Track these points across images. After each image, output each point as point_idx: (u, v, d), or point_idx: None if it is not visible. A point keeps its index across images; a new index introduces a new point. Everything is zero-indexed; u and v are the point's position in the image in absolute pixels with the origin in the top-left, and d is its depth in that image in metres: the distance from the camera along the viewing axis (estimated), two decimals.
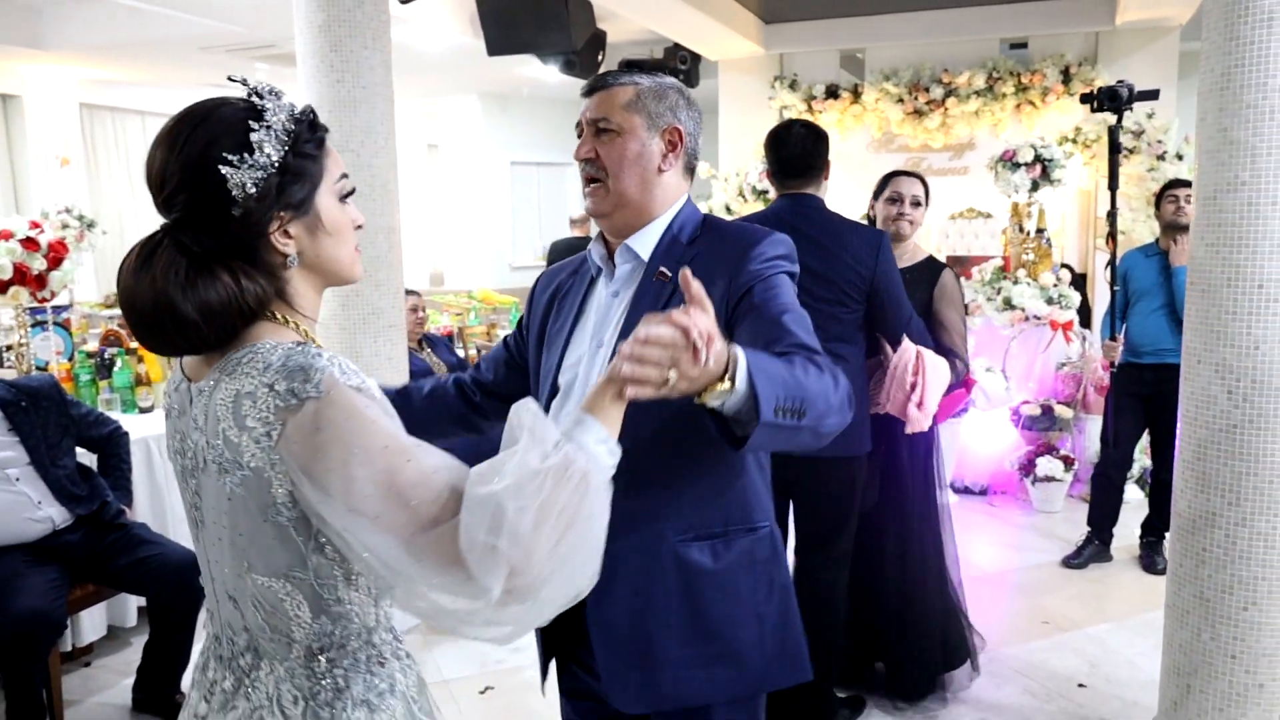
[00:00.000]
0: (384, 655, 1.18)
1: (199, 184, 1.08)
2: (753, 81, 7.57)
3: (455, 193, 10.90)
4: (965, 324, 2.99)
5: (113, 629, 3.62)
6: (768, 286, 1.44)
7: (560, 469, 0.99)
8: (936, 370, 2.58)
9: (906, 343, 2.59)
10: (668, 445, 1.44)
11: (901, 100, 6.94)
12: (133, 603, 3.65)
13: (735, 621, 1.51)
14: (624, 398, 1.07)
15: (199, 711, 1.20)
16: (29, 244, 4.15)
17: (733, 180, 7.38)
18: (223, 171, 1.06)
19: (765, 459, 1.59)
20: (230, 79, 1.21)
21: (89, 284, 8.40)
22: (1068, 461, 5.10)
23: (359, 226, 1.20)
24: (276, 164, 1.08)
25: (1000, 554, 4.56)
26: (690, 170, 1.59)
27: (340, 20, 3.44)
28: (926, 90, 6.91)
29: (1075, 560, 4.34)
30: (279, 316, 1.14)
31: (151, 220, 1.17)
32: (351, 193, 1.20)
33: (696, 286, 1.12)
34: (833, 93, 7.24)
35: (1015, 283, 5.49)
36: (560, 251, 9.04)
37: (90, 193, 8.94)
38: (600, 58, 6.85)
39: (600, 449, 1.04)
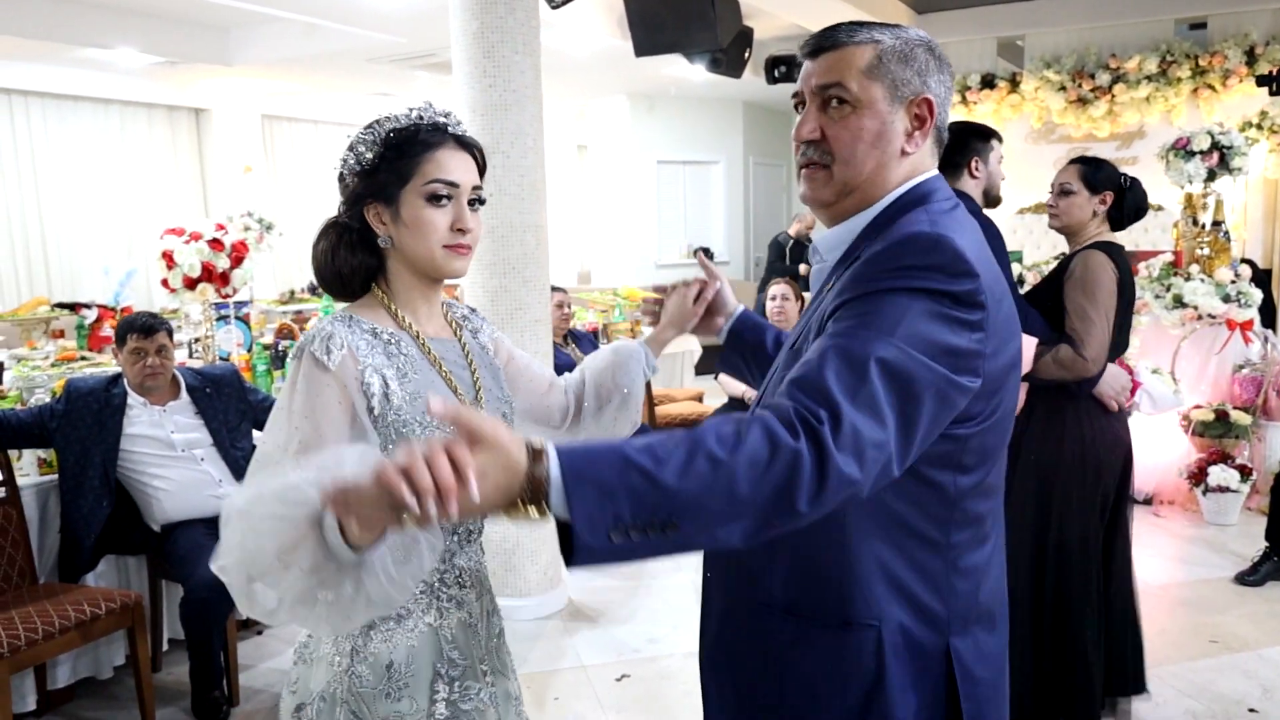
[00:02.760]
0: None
1: (340, 161, 1.40)
2: None
3: (603, 192, 11.11)
4: (1099, 310, 2.64)
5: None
6: (864, 308, 1.06)
7: (291, 545, 1.08)
8: None
9: None
10: None
11: (1064, 88, 6.63)
12: None
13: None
14: (367, 529, 1.01)
15: None
16: (215, 245, 4.52)
17: None
18: (341, 157, 1.38)
19: (928, 549, 1.15)
20: (426, 102, 1.43)
21: (267, 282, 9.04)
22: (1245, 471, 4.74)
23: (460, 229, 1.35)
24: (369, 161, 1.35)
25: (1165, 567, 4.29)
26: (940, 146, 1.25)
27: (493, 27, 3.58)
28: (1091, 77, 6.56)
29: (1251, 577, 4.04)
30: (378, 292, 1.41)
31: (321, 222, 1.43)
32: (447, 198, 1.35)
33: (448, 412, 0.94)
34: (989, 82, 6.98)
35: (1187, 279, 5.14)
36: (772, 249, 9.10)
37: (269, 197, 9.62)
38: (747, 55, 6.84)
39: (340, 551, 1.06)
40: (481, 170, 1.41)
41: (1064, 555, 2.72)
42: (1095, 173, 2.80)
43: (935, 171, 1.24)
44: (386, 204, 1.35)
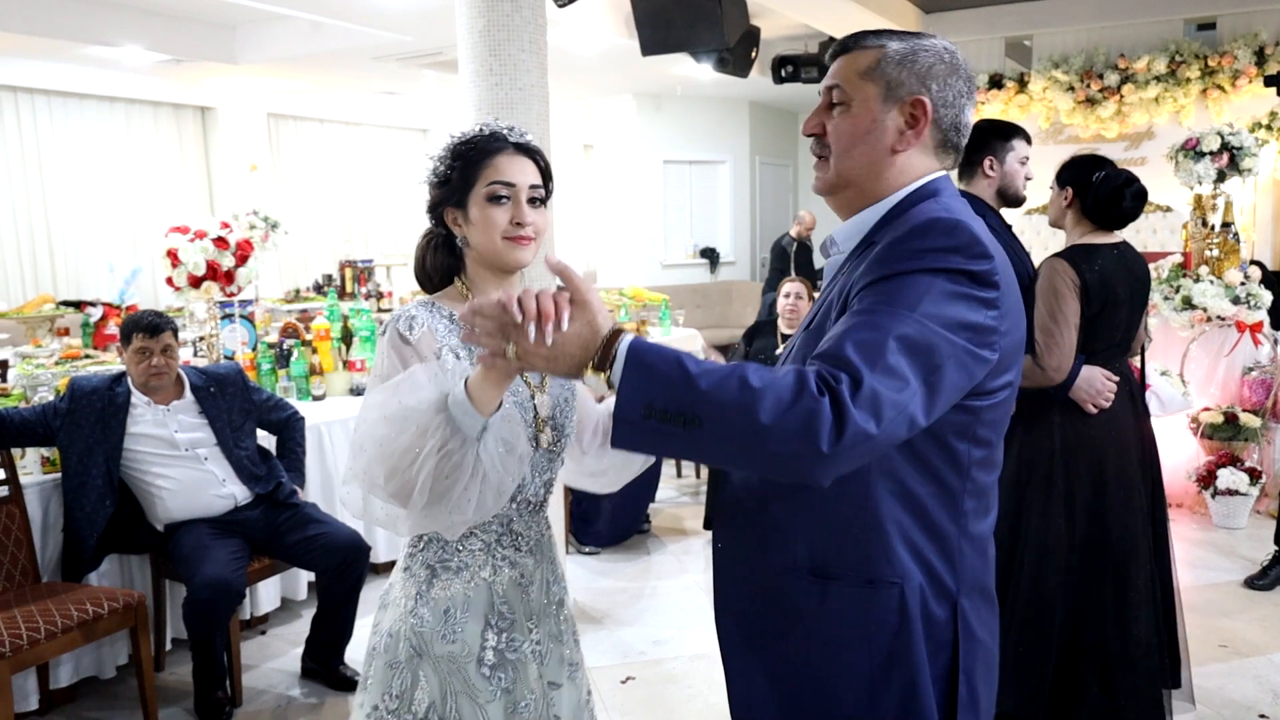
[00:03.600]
0: (463, 545, 1.57)
1: (425, 175, 1.61)
2: None
3: (609, 192, 11.10)
4: (1058, 320, 2.60)
5: (286, 601, 3.90)
6: (886, 289, 1.14)
7: (422, 430, 1.30)
8: None
9: None
10: None
11: (1072, 88, 6.60)
12: (304, 577, 3.92)
13: (835, 681, 1.26)
14: (486, 369, 1.26)
15: None
16: (220, 243, 4.51)
17: None
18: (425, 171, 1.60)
19: (943, 513, 1.24)
20: (493, 119, 1.69)
21: (272, 280, 9.03)
22: (1254, 474, 4.71)
23: (517, 224, 1.53)
24: (443, 173, 1.56)
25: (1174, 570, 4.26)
26: (950, 147, 1.31)
27: (499, 25, 3.56)
28: (1100, 77, 6.53)
29: (1260, 581, 4.01)
30: (459, 284, 1.61)
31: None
32: (505, 199, 1.53)
33: (555, 262, 1.17)
34: (996, 83, 6.95)
35: (1196, 280, 5.11)
36: (775, 252, 9.11)
37: (274, 196, 9.62)
38: (754, 54, 6.81)
39: (465, 419, 1.30)
40: (543, 172, 1.59)
41: (1028, 554, 2.67)
42: (1063, 169, 2.81)
43: (943, 172, 1.31)
44: (459, 207, 1.56)
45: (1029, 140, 2.87)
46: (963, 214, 1.22)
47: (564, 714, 1.64)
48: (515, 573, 1.60)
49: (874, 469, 1.20)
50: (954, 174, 1.42)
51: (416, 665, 1.54)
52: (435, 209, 1.59)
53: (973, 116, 1.31)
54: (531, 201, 1.55)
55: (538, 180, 1.57)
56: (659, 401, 1.06)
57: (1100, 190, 2.72)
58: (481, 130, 1.56)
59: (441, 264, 1.62)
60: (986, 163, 2.73)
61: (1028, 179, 2.87)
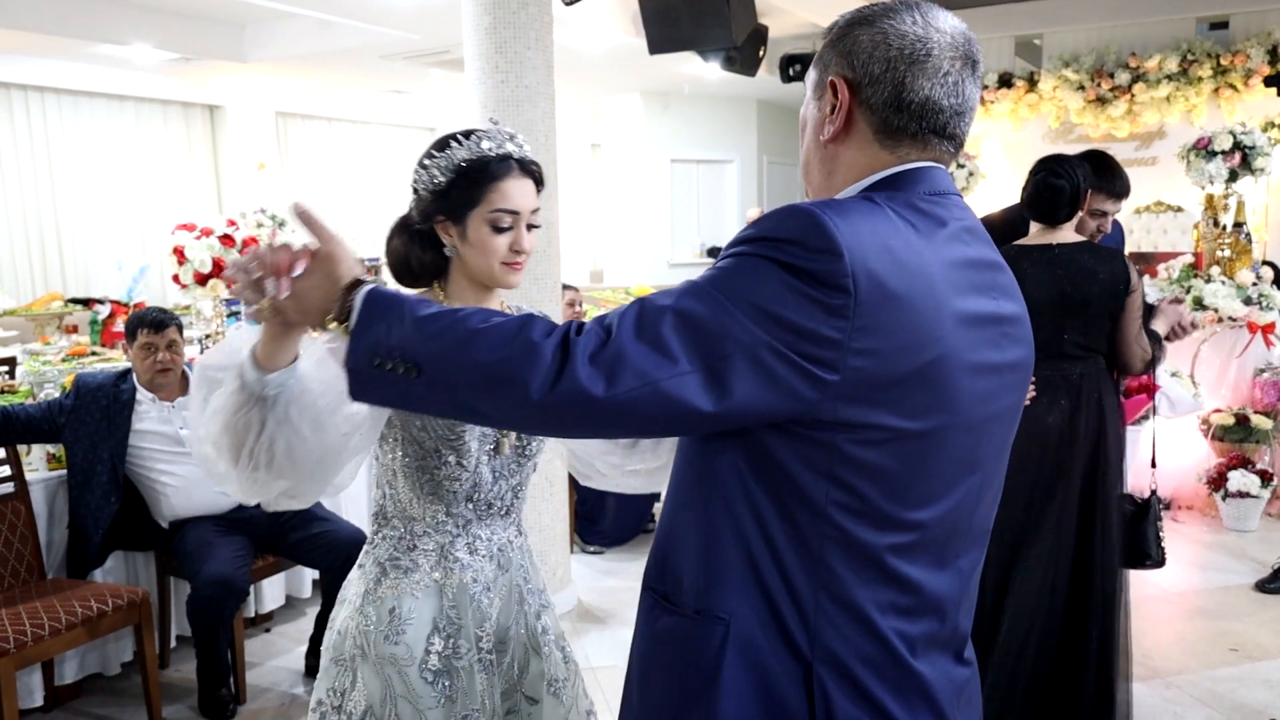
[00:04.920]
0: (415, 544, 1.54)
1: (414, 172, 1.55)
2: None
3: (615, 191, 11.09)
4: None
5: (290, 599, 3.90)
6: (712, 268, 1.01)
7: (218, 386, 1.27)
8: None
9: None
10: (680, 467, 1.14)
11: (1082, 87, 6.56)
12: (308, 575, 3.91)
13: (646, 711, 1.14)
14: (264, 326, 1.19)
15: None
16: (226, 240, 4.50)
17: None
18: (415, 169, 1.54)
19: (795, 559, 1.03)
20: (492, 120, 1.61)
21: None
22: (1265, 476, 4.67)
23: (517, 251, 1.51)
24: (439, 182, 1.50)
25: (1184, 573, 4.23)
26: (898, 131, 1.06)
27: (505, 22, 3.55)
28: (1111, 76, 6.49)
29: (1271, 584, 3.98)
30: (436, 289, 1.58)
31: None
32: (509, 228, 1.50)
33: (300, 208, 1.11)
34: (1006, 81, 6.92)
35: (1208, 281, 5.07)
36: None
37: (282, 194, 9.63)
38: (761, 53, 6.79)
39: (248, 375, 1.22)
40: (539, 187, 1.57)
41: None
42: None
43: (901, 166, 1.07)
44: (455, 222, 1.52)
45: (1117, 195, 2.87)
46: (845, 209, 0.99)
47: None
48: (467, 577, 1.55)
49: (722, 491, 1.04)
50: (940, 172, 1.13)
51: (357, 665, 1.52)
52: (427, 217, 1.53)
53: (936, 88, 1.04)
54: (529, 226, 1.54)
55: (537, 202, 1.55)
56: (382, 347, 1.00)
57: (1026, 185, 2.77)
58: (487, 146, 1.49)
59: (430, 262, 1.58)
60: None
61: (1099, 231, 2.88)
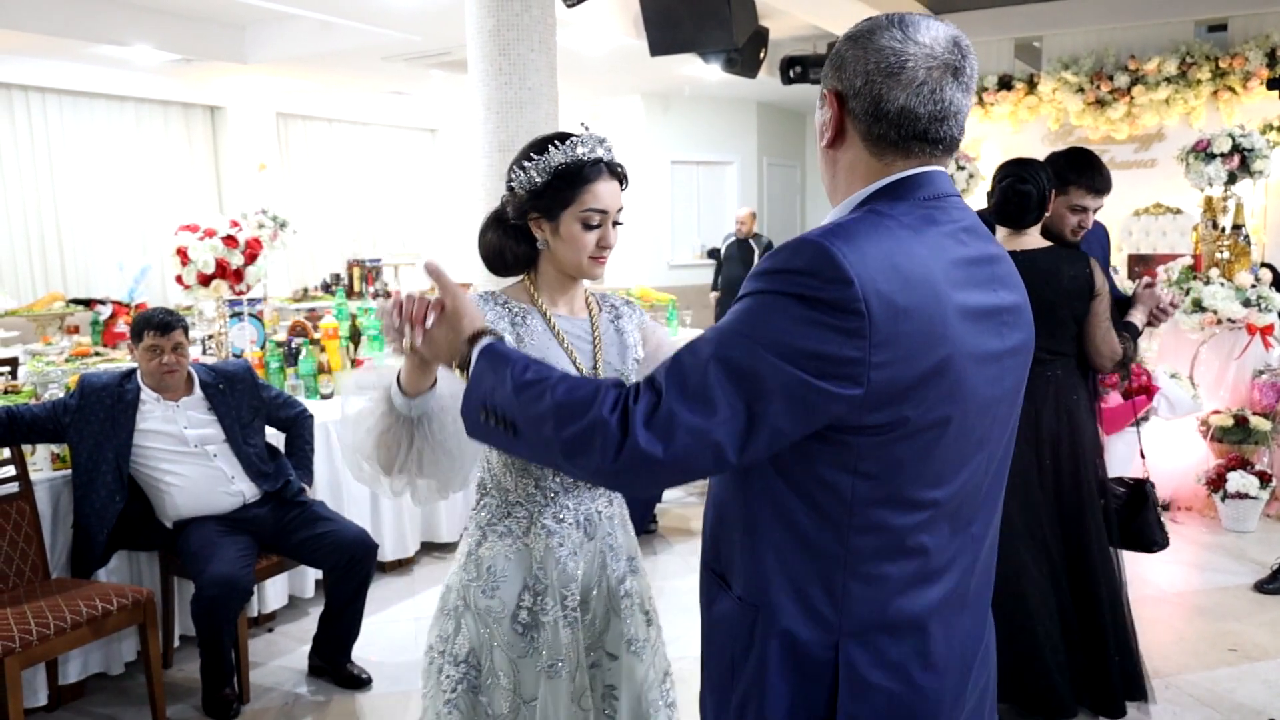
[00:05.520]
0: (510, 512, 1.73)
1: (510, 171, 1.73)
2: None
3: None
4: None
5: (293, 599, 3.90)
6: (735, 310, 1.10)
7: (373, 410, 1.57)
8: None
9: None
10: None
11: (1082, 90, 6.58)
12: (311, 575, 3.92)
13: (706, 679, 1.30)
14: (406, 359, 1.46)
15: None
16: (229, 241, 4.51)
17: None
18: (512, 170, 1.72)
19: (825, 546, 1.14)
20: (583, 124, 1.77)
21: (280, 279, 9.06)
22: (1264, 478, 4.69)
23: (603, 247, 1.70)
24: (536, 183, 1.67)
25: (1182, 573, 4.25)
26: (881, 140, 1.15)
27: (509, 25, 3.57)
28: (1110, 78, 6.51)
29: (1270, 585, 3.99)
30: (526, 280, 1.77)
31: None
32: (598, 225, 1.68)
33: (432, 267, 1.33)
34: (1006, 84, 6.93)
35: (1206, 283, 5.09)
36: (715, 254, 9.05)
37: (283, 195, 9.63)
38: (762, 55, 6.81)
39: (397, 399, 1.53)
40: (624, 187, 1.75)
41: None
42: None
43: (892, 176, 1.15)
44: (549, 219, 1.69)
45: (1097, 191, 2.86)
46: (848, 235, 1.07)
47: (621, 684, 1.77)
48: (554, 542, 1.73)
49: (755, 489, 1.16)
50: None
51: (460, 614, 1.74)
52: (522, 213, 1.70)
53: (911, 97, 1.11)
54: (615, 224, 1.71)
55: (622, 203, 1.72)
56: (490, 405, 1.19)
57: (992, 190, 2.80)
58: (581, 151, 1.67)
59: (523, 254, 1.75)
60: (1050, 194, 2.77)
61: (1080, 228, 2.89)
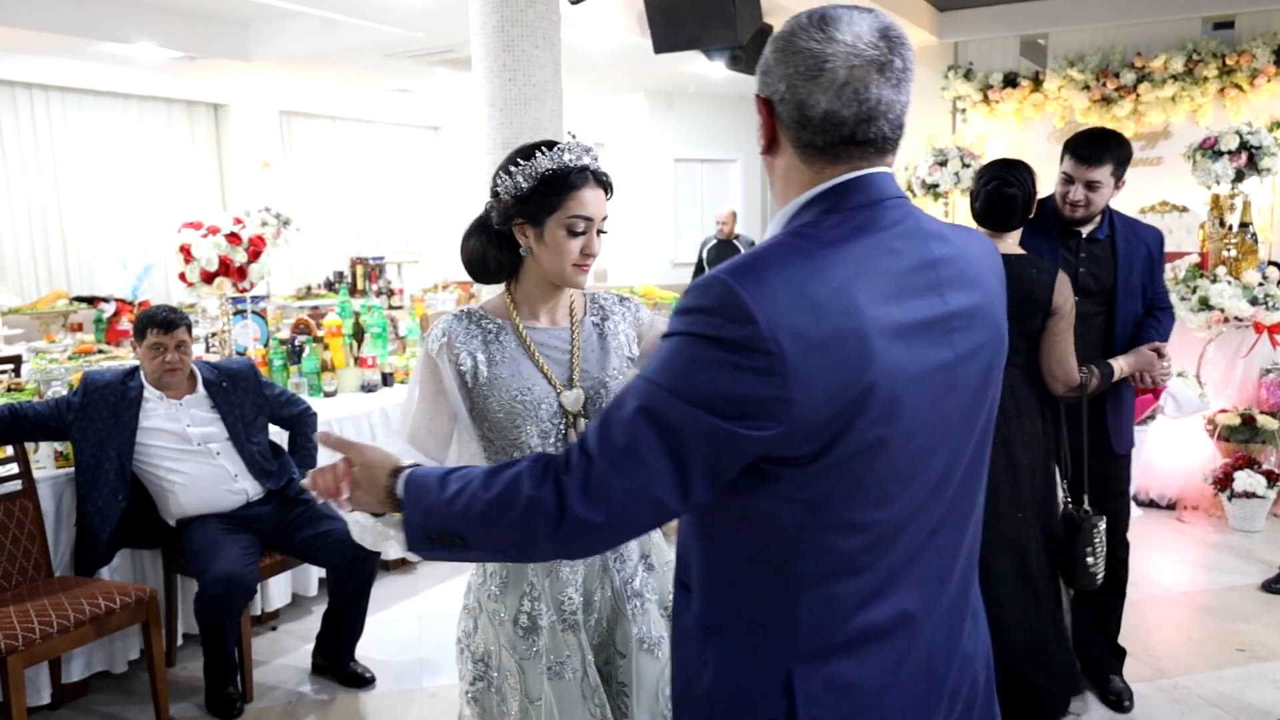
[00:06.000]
0: None
1: (495, 177, 1.74)
2: (924, 72, 7.31)
3: (620, 190, 11.03)
4: None
5: (296, 597, 3.90)
6: (658, 351, 1.08)
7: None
8: None
9: None
10: None
11: (1088, 87, 6.55)
12: (314, 573, 3.91)
13: (674, 696, 1.27)
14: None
15: None
16: (232, 238, 4.51)
17: (900, 175, 7.17)
18: (497, 175, 1.73)
19: (769, 569, 1.12)
20: (570, 133, 1.78)
21: (284, 277, 9.05)
22: (1271, 477, 4.67)
23: (587, 254, 1.70)
24: (522, 189, 1.68)
25: (1189, 573, 4.23)
26: (808, 147, 1.10)
27: (513, 21, 3.56)
28: (1116, 76, 6.48)
29: (1278, 584, 3.97)
30: (505, 299, 1.78)
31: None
32: (583, 233, 1.69)
33: (330, 439, 1.32)
34: (1011, 81, 6.91)
35: (1214, 281, 5.06)
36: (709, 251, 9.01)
37: (286, 193, 9.62)
38: None
39: (377, 526, 1.37)
40: (609, 195, 1.75)
41: None
42: None
43: (845, 175, 1.10)
44: (533, 225, 1.70)
45: (1080, 159, 2.80)
46: (760, 266, 1.03)
47: (631, 682, 1.79)
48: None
49: (705, 514, 1.15)
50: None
51: (476, 614, 1.81)
52: (507, 219, 1.71)
53: (834, 100, 1.06)
54: (599, 232, 1.73)
55: (606, 212, 1.74)
56: (432, 529, 1.17)
57: (976, 193, 2.75)
58: (568, 159, 1.68)
59: (506, 261, 1.76)
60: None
61: (1069, 200, 2.83)
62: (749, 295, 1.00)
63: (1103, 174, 2.82)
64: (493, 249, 1.76)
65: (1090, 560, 2.73)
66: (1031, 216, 2.77)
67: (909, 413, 1.07)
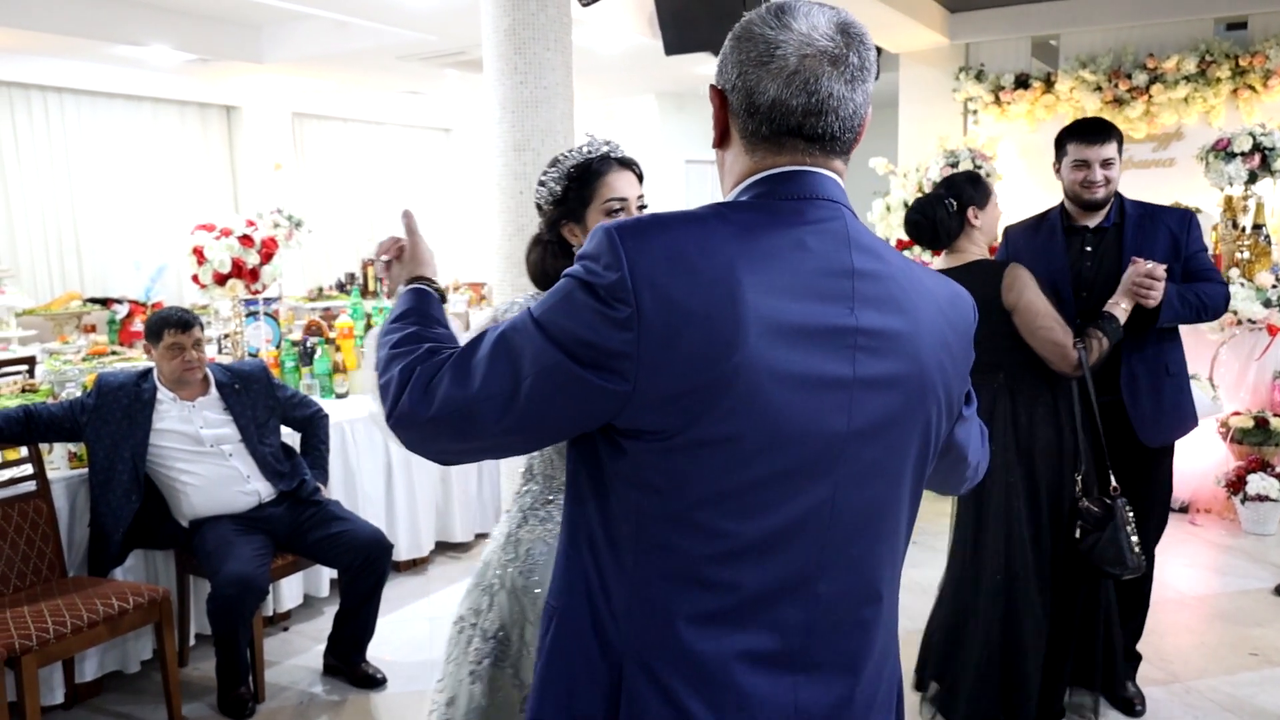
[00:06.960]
0: (550, 499, 1.83)
1: (535, 194, 1.88)
2: (935, 74, 7.30)
3: None
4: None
5: (308, 598, 3.91)
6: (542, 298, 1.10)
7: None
8: None
9: None
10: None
11: (1100, 88, 6.51)
12: (326, 574, 3.93)
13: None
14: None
15: None
16: (245, 241, 4.53)
17: (912, 176, 7.15)
18: (535, 191, 1.86)
19: (610, 556, 1.08)
20: (588, 134, 1.88)
21: (296, 279, 9.08)
22: None
23: None
24: (556, 193, 1.80)
25: (1202, 577, 4.21)
26: (754, 137, 1.09)
27: (525, 23, 3.56)
28: (1128, 77, 6.45)
29: None
30: None
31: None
32: (621, 210, 1.77)
33: (405, 216, 1.47)
34: (1023, 82, 6.88)
35: (1226, 283, 5.03)
36: None
37: (299, 195, 9.66)
38: None
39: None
40: (641, 179, 1.83)
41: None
42: None
43: (762, 172, 1.08)
44: (577, 222, 1.80)
45: (1090, 140, 2.83)
46: (658, 223, 1.03)
47: None
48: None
49: (575, 495, 1.13)
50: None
51: (494, 591, 1.83)
52: (554, 225, 1.82)
53: (783, 88, 1.04)
54: (640, 209, 1.80)
55: (640, 190, 1.81)
56: (384, 334, 1.23)
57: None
58: (587, 151, 1.79)
59: (565, 267, 1.76)
60: (1053, 166, 2.86)
61: (1090, 182, 2.83)
62: (624, 247, 1.00)
63: (1112, 150, 2.86)
64: (549, 258, 1.85)
65: (1135, 539, 2.60)
66: (977, 225, 2.77)
67: (774, 414, 1.01)
